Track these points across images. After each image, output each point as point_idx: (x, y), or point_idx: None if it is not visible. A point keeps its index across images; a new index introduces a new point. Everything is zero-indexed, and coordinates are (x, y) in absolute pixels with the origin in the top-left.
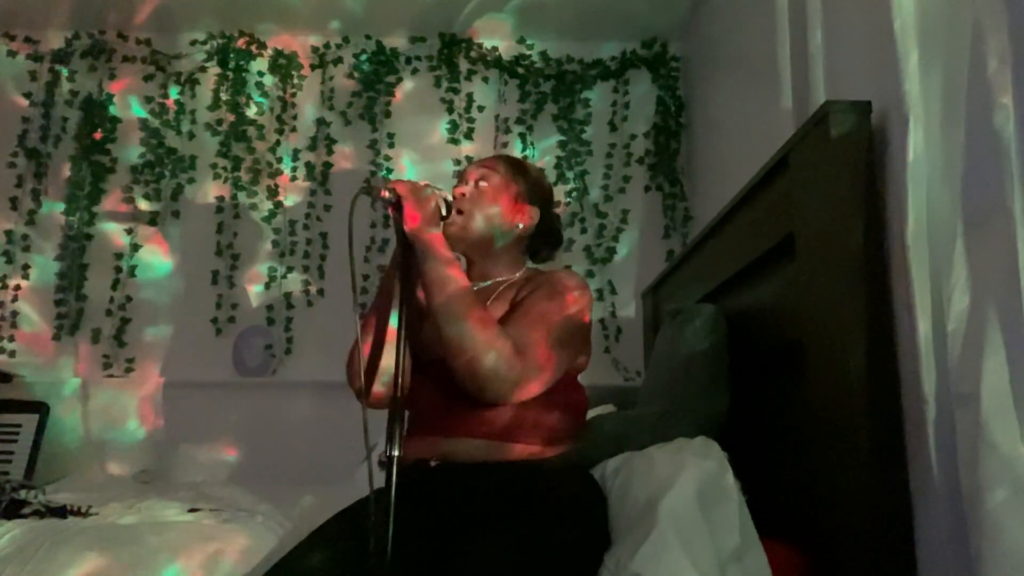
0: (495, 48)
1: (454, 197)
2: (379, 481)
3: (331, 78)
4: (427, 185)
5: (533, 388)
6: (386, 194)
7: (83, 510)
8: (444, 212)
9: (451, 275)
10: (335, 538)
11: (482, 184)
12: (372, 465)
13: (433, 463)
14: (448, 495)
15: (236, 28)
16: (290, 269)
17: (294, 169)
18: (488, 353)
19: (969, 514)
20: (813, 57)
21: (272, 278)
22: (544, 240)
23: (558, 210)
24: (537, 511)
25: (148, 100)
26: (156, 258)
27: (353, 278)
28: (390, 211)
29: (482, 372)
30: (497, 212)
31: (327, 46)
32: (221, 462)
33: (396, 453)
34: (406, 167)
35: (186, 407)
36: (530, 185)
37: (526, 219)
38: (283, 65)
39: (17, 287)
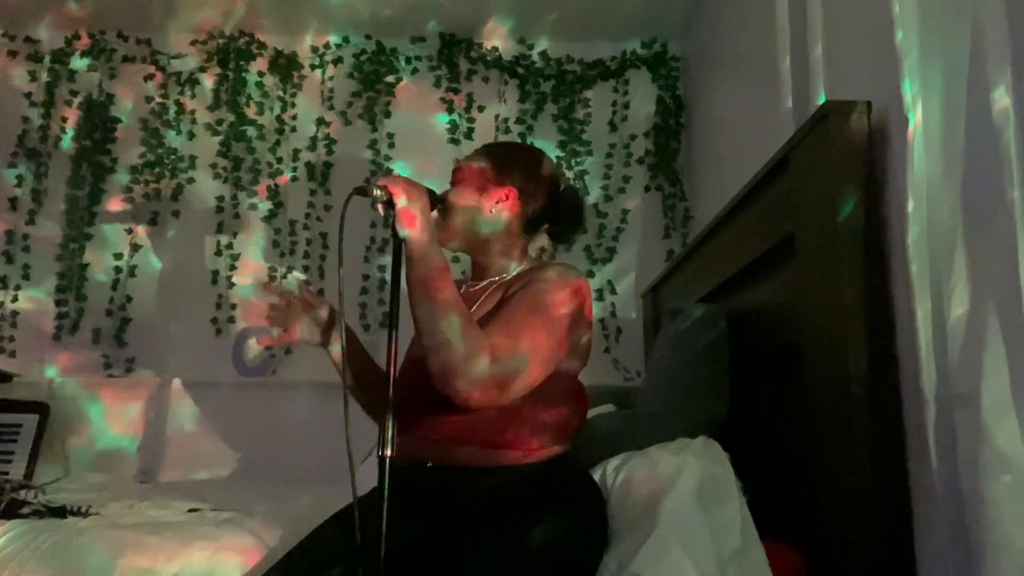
0: (495, 48)
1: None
2: (370, 484)
3: (331, 78)
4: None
5: (504, 395)
6: (377, 192)
7: (83, 510)
8: (437, 207)
9: (433, 276)
10: (330, 541)
11: (454, 184)
12: (354, 473)
13: (429, 464)
14: (446, 497)
15: (236, 28)
16: (290, 269)
17: (294, 169)
18: (457, 357)
19: (969, 514)
20: (813, 57)
21: (272, 278)
22: (543, 213)
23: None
24: (537, 512)
25: (148, 100)
26: (156, 258)
27: (340, 290)
28: (380, 208)
29: (449, 375)
30: (470, 204)
31: (327, 46)
32: (221, 462)
33: (389, 454)
34: (405, 167)
35: (186, 407)
36: (499, 162)
37: (503, 199)
38: (283, 65)
39: (17, 287)
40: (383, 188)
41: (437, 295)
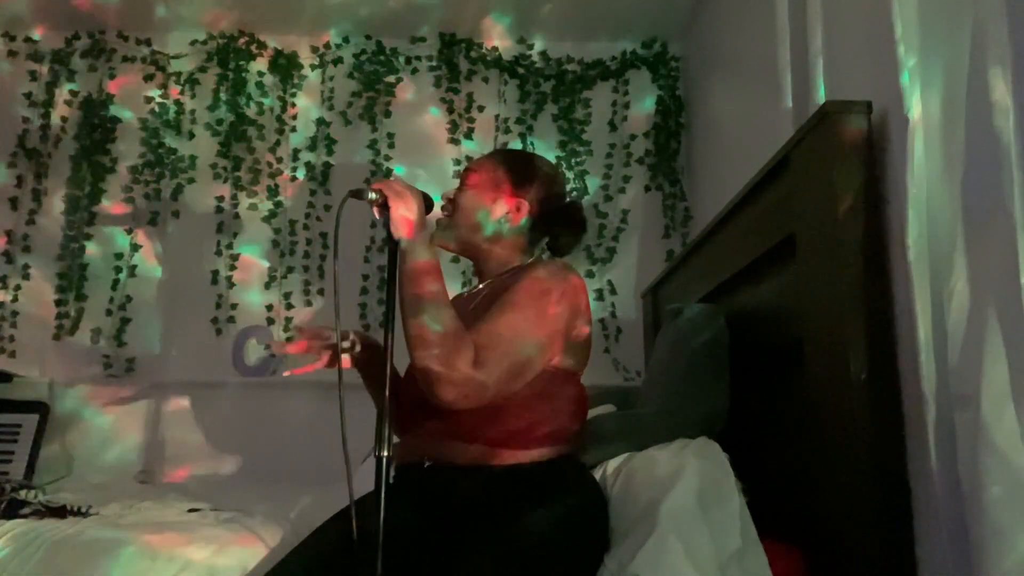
0: (495, 48)
1: (444, 200)
2: (370, 484)
3: (331, 78)
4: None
5: (486, 395)
6: (372, 195)
7: (83, 510)
8: (433, 210)
9: (420, 277)
10: (327, 543)
11: (466, 185)
12: (350, 472)
13: (427, 464)
14: (446, 496)
15: (236, 28)
16: (290, 269)
17: (294, 169)
18: (439, 356)
19: (969, 514)
20: (813, 57)
21: (272, 278)
22: (549, 226)
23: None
24: (537, 511)
25: (148, 100)
26: (156, 258)
27: (336, 288)
28: (376, 211)
29: (430, 374)
30: (480, 208)
31: (327, 46)
32: (221, 462)
33: (385, 454)
34: (405, 167)
35: (186, 407)
36: (517, 173)
37: (514, 210)
38: (283, 65)
39: (17, 287)
40: (378, 191)
41: (420, 291)
